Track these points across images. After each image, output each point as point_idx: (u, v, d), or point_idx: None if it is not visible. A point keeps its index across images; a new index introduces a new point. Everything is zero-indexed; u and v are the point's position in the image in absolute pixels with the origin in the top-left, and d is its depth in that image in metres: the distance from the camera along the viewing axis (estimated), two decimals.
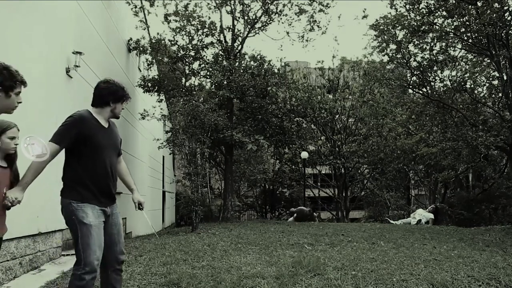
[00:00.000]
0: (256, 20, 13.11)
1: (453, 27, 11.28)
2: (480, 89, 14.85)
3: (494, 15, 9.67)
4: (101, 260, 2.88)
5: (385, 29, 11.85)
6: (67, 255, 6.32)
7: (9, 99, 2.26)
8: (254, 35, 13.40)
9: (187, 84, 13.86)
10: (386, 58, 13.04)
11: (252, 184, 24.01)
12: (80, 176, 2.83)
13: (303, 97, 19.70)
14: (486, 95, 14.43)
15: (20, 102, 2.33)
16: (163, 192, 18.31)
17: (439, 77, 13.62)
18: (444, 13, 11.00)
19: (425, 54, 12.61)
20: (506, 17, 10.13)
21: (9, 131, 2.69)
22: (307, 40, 14.23)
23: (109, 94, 2.99)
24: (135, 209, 3.25)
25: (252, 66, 12.39)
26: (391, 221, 14.72)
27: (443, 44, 12.08)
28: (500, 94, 12.68)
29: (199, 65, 13.20)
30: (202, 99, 12.98)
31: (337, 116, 22.52)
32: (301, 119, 15.34)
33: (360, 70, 20.80)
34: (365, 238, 7.44)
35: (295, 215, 14.41)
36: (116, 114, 3.05)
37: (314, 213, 15.73)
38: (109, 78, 3.10)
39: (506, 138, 11.29)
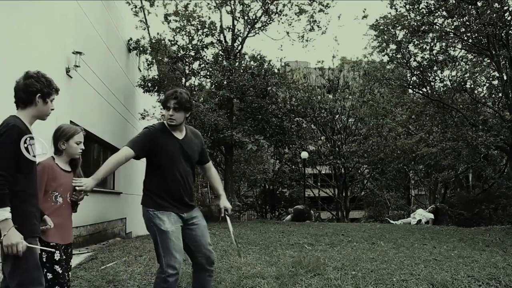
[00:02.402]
0: (256, 20, 13.10)
1: (453, 27, 11.28)
2: (480, 89, 14.87)
3: (494, 15, 9.66)
4: (192, 262, 3.09)
5: (385, 29, 11.85)
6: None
7: (45, 105, 2.38)
8: (254, 35, 13.39)
9: (187, 84, 13.85)
10: (386, 58, 13.04)
11: (252, 184, 24.00)
12: (155, 186, 3.00)
13: (303, 97, 19.68)
14: (486, 95, 14.43)
15: (53, 109, 2.46)
16: None
17: (439, 77, 13.63)
18: (444, 13, 11.00)
19: (425, 54, 12.61)
20: (506, 17, 10.13)
21: (76, 136, 2.81)
22: (307, 40, 14.22)
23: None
24: (222, 214, 3.29)
25: (252, 66, 12.38)
26: (391, 221, 14.72)
27: (443, 44, 12.08)
28: (500, 94, 12.67)
29: (199, 65, 13.20)
30: (202, 99, 12.98)
31: (337, 116, 22.51)
32: (301, 119, 15.33)
33: (360, 70, 20.78)
34: (365, 238, 7.43)
35: (292, 213, 14.75)
36: (168, 122, 3.05)
37: (311, 211, 15.91)
38: (173, 89, 3.17)
39: (506, 138, 11.29)
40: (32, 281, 2.23)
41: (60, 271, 2.68)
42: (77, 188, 2.75)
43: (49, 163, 2.72)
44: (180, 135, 3.08)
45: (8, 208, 2.13)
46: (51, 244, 2.65)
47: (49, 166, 2.70)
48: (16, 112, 2.36)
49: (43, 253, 2.66)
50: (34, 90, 2.32)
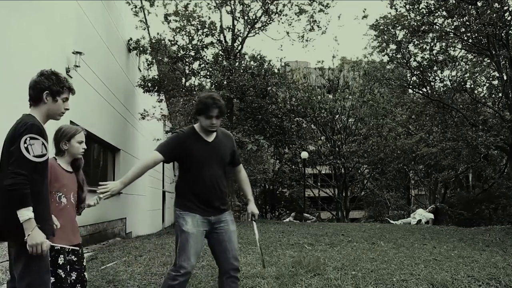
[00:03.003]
0: (256, 20, 13.10)
1: (453, 27, 11.28)
2: (480, 89, 14.88)
3: (494, 15, 9.67)
4: (218, 267, 3.11)
5: (385, 29, 11.85)
6: None
7: (55, 104, 2.36)
8: (254, 35, 13.38)
9: (187, 84, 13.85)
10: (386, 58, 13.05)
11: (252, 184, 23.95)
12: (183, 188, 3.03)
13: (303, 97, 19.69)
14: (486, 95, 14.44)
15: (67, 109, 2.44)
16: (163, 192, 18.31)
17: (439, 77, 13.64)
18: (444, 13, 11.00)
19: (425, 54, 12.62)
20: (506, 17, 10.13)
21: (77, 135, 2.82)
22: (307, 40, 14.21)
23: (194, 108, 3.11)
24: (249, 219, 3.32)
25: (252, 66, 12.38)
26: (391, 221, 14.73)
27: (443, 44, 12.08)
28: (500, 94, 12.68)
29: (199, 65, 13.19)
30: None
31: (337, 116, 22.52)
32: (301, 119, 15.33)
33: (360, 70, 20.79)
34: (365, 238, 7.43)
35: (293, 214, 15.45)
36: (204, 127, 3.01)
37: (307, 214, 16.62)
38: (208, 93, 3.13)
39: (506, 138, 11.30)
40: (41, 283, 2.22)
41: (63, 276, 2.66)
42: (101, 194, 2.73)
43: (51, 164, 2.71)
44: (210, 138, 3.05)
45: (31, 208, 2.12)
46: (55, 248, 2.62)
47: (51, 166, 2.68)
48: (29, 111, 2.35)
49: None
50: (42, 87, 2.31)
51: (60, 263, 2.67)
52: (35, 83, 2.33)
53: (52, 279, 2.60)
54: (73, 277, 2.79)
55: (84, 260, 2.93)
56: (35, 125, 2.21)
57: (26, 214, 2.10)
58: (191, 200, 2.97)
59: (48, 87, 2.32)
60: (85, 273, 2.86)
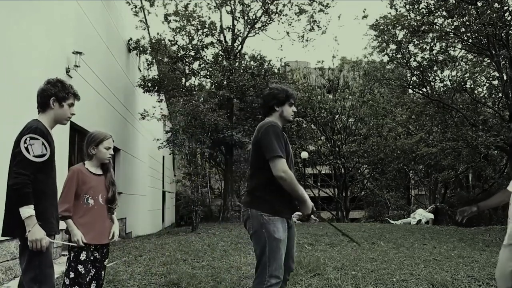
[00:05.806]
0: (256, 20, 13.12)
1: (453, 27, 11.28)
2: (480, 89, 14.88)
3: (494, 15, 9.67)
4: None
5: (385, 29, 11.86)
6: (67, 255, 6.30)
7: (61, 109, 2.51)
8: (254, 35, 13.42)
9: (187, 84, 13.87)
10: (386, 58, 13.06)
11: None
12: (273, 188, 2.68)
13: (303, 97, 19.71)
14: (486, 95, 14.45)
15: (74, 114, 2.60)
16: (163, 192, 18.30)
17: (439, 77, 13.65)
18: (444, 13, 11.01)
19: (425, 54, 12.63)
20: (506, 17, 10.14)
21: (105, 141, 2.94)
22: (307, 40, 14.29)
23: (271, 98, 2.85)
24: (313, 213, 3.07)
25: (252, 66, 12.40)
26: (391, 221, 14.73)
27: (443, 44, 12.09)
28: (500, 94, 12.68)
29: (199, 65, 13.21)
30: (202, 99, 12.98)
31: (337, 116, 22.53)
32: (301, 119, 15.34)
33: (360, 70, 20.81)
34: (365, 238, 7.43)
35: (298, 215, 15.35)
36: (286, 117, 2.87)
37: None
38: (275, 85, 3.01)
39: (506, 138, 11.30)
40: (44, 279, 2.32)
41: (83, 272, 2.76)
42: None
43: (78, 168, 2.88)
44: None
45: (32, 206, 2.25)
46: (74, 244, 2.74)
47: (78, 171, 2.85)
48: (37, 117, 2.49)
49: (72, 251, 2.78)
50: (48, 94, 2.47)
51: (82, 259, 2.77)
52: (42, 91, 2.49)
53: (72, 274, 2.74)
54: (91, 273, 2.87)
55: (107, 260, 3.01)
56: (38, 128, 2.34)
57: (27, 211, 2.23)
58: (281, 201, 2.69)
59: (54, 94, 2.48)
60: (102, 272, 2.94)
